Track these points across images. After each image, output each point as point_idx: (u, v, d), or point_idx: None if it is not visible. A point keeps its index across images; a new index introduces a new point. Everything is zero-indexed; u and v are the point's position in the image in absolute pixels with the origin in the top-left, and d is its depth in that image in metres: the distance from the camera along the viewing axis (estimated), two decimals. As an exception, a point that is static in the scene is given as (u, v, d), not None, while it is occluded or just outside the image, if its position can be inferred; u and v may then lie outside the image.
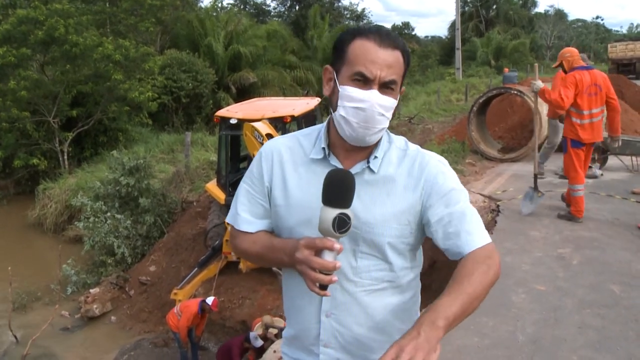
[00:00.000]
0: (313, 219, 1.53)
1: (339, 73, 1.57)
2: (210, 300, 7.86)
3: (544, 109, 10.99)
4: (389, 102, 1.53)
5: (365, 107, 1.51)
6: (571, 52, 6.94)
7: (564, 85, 6.55)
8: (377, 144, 1.63)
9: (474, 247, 1.54)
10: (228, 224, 1.82)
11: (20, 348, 8.52)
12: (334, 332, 1.64)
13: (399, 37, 1.58)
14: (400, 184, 1.61)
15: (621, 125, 12.79)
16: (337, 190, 1.41)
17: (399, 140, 1.70)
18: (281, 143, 1.74)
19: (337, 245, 1.41)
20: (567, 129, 6.76)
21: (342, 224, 1.39)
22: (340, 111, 1.55)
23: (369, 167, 1.61)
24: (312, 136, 1.70)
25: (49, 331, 8.90)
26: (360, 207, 1.56)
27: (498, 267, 1.54)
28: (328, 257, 1.42)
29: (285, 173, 1.67)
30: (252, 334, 7.28)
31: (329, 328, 1.65)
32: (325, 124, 1.69)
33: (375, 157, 1.61)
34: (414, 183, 1.61)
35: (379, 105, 1.51)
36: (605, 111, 6.80)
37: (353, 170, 1.58)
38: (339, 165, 1.62)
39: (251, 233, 1.72)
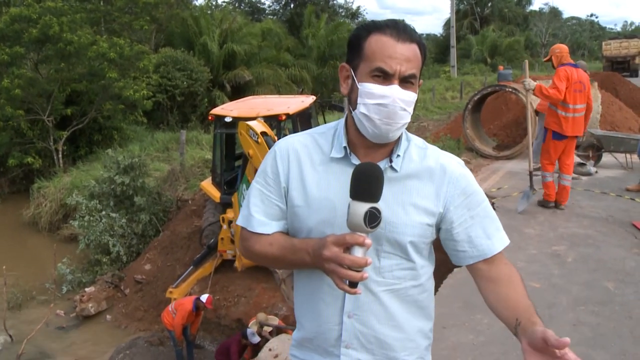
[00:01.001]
0: (333, 218, 1.53)
1: (357, 70, 1.55)
2: (204, 297, 7.85)
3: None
4: (410, 97, 1.51)
5: (387, 102, 1.48)
6: (560, 49, 7.23)
7: (558, 78, 6.84)
8: (398, 142, 1.61)
9: (496, 251, 1.64)
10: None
11: (15, 347, 8.49)
12: (356, 332, 1.63)
13: (414, 30, 1.56)
14: (422, 183, 1.60)
15: (615, 123, 12.90)
16: (367, 183, 1.39)
17: (417, 139, 1.69)
18: (297, 141, 1.69)
19: (368, 241, 1.38)
20: (550, 121, 7.09)
21: (373, 218, 1.37)
22: (361, 109, 1.52)
23: (391, 165, 1.59)
24: (328, 134, 1.67)
25: (44, 330, 8.88)
26: (383, 205, 1.49)
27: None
28: (358, 253, 1.40)
29: (303, 172, 1.63)
30: (249, 330, 7.29)
31: (350, 329, 1.62)
32: (342, 121, 1.67)
33: (398, 155, 1.60)
34: (436, 183, 1.61)
35: (401, 100, 1.49)
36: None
37: None
38: (357, 163, 1.57)
39: (267, 235, 1.66)
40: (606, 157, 10.18)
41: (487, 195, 6.58)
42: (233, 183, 9.32)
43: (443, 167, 1.62)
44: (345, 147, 1.60)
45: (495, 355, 3.92)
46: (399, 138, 1.61)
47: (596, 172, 9.59)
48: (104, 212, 10.89)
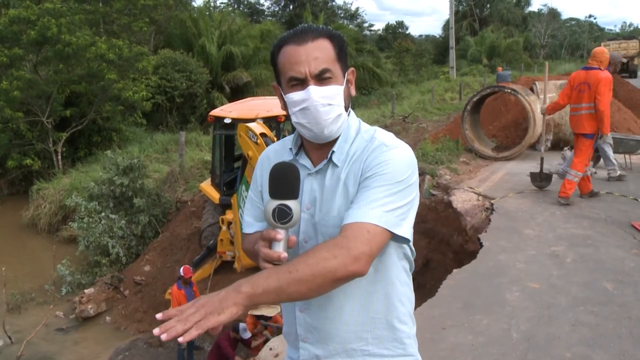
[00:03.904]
0: None
1: (281, 86, 1.62)
2: (181, 270, 7.96)
3: (537, 107, 11.04)
4: (330, 91, 1.55)
5: (308, 105, 1.54)
6: (591, 54, 7.52)
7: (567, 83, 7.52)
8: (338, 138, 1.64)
9: (342, 224, 1.49)
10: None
11: (15, 349, 8.49)
12: (308, 327, 1.68)
13: (319, 27, 1.59)
14: (354, 174, 1.60)
15: (614, 124, 12.91)
16: (278, 182, 1.46)
17: (368, 131, 1.68)
18: (272, 148, 1.83)
19: (279, 236, 1.44)
20: None
21: (282, 215, 1.43)
22: (293, 118, 1.60)
23: (332, 161, 1.62)
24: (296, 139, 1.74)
25: (44, 332, 8.89)
26: (320, 201, 1.61)
27: (350, 261, 1.42)
28: (277, 247, 1.45)
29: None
30: (241, 325, 7.36)
31: (303, 323, 1.68)
32: None
33: (333, 151, 1.62)
34: (361, 170, 1.58)
35: (321, 97, 1.53)
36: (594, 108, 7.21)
37: (319, 166, 1.63)
38: (307, 164, 1.66)
39: (251, 234, 1.78)
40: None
41: (486, 197, 6.54)
42: (232, 184, 9.33)
43: (369, 149, 1.60)
44: (290, 149, 1.70)
45: (495, 356, 3.92)
46: (342, 133, 1.64)
47: (595, 172, 9.59)
48: (103, 214, 10.89)
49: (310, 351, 1.69)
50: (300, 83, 1.54)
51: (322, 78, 1.54)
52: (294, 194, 1.46)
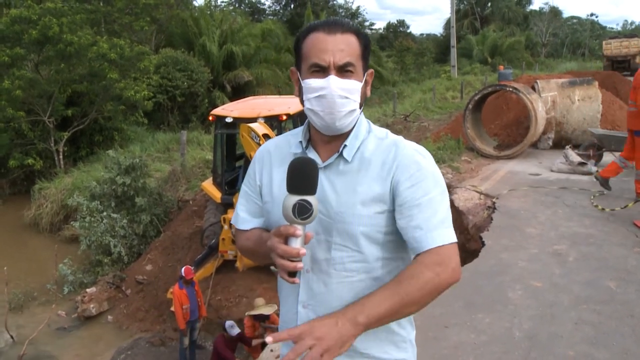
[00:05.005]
0: None
1: (301, 70, 1.62)
2: (182, 271, 7.95)
3: (539, 106, 11.03)
4: (350, 85, 1.56)
5: (325, 93, 1.54)
6: None
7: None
8: (350, 133, 1.65)
9: (428, 247, 1.53)
10: (230, 230, 1.86)
11: (17, 348, 8.49)
12: None
13: (349, 22, 1.62)
14: (372, 172, 1.61)
15: (616, 122, 12.89)
16: (298, 177, 1.45)
17: (380, 131, 1.71)
18: (273, 143, 1.81)
19: (299, 232, 1.44)
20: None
21: (302, 210, 1.42)
22: (307, 104, 1.60)
23: (342, 156, 1.63)
24: (299, 134, 1.73)
25: (46, 331, 8.89)
26: (334, 196, 1.59)
27: (450, 274, 1.51)
28: (294, 243, 1.45)
29: (272, 171, 1.73)
30: (227, 323, 7.41)
31: (305, 319, 1.64)
32: (307, 120, 1.73)
33: (345, 145, 1.63)
34: (386, 171, 1.61)
35: (339, 88, 1.54)
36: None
37: (328, 161, 1.63)
38: (317, 158, 1.64)
39: (246, 230, 1.79)
40: (607, 156, 10.17)
41: (488, 195, 6.54)
42: (234, 183, 9.33)
43: (395, 154, 1.62)
44: (300, 142, 1.68)
45: (497, 354, 3.92)
46: (354, 128, 1.65)
47: (597, 171, 9.57)
48: (105, 213, 10.89)
49: None
50: (322, 71, 1.55)
51: (344, 70, 1.55)
52: (313, 189, 1.46)
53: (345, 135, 1.64)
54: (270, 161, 1.75)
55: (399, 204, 1.58)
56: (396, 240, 1.65)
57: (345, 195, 1.59)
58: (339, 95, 1.54)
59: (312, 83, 1.56)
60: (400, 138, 1.70)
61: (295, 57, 1.66)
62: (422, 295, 1.47)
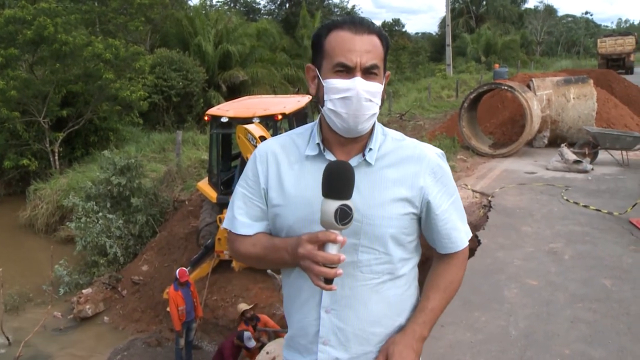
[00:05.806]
0: (311, 215, 1.53)
1: (321, 68, 1.57)
2: (177, 273, 7.93)
3: (534, 104, 11.05)
4: (375, 87, 1.53)
5: (351, 95, 1.50)
6: None
7: None
8: (370, 136, 1.63)
9: (461, 247, 1.72)
10: (225, 229, 1.79)
11: (13, 349, 8.47)
12: (334, 328, 1.63)
13: (372, 22, 1.59)
14: (399, 174, 1.60)
15: (611, 120, 12.93)
16: (337, 181, 1.41)
17: (395, 133, 1.71)
18: (275, 143, 1.72)
19: (340, 238, 1.41)
20: None
21: (344, 216, 1.39)
22: (329, 105, 1.54)
23: (365, 159, 1.60)
24: (305, 134, 1.69)
25: (42, 332, 8.86)
26: (360, 199, 1.54)
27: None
28: (332, 250, 1.42)
29: (280, 172, 1.66)
30: (246, 334, 7.25)
31: (328, 324, 1.62)
32: (317, 121, 1.68)
33: (370, 149, 1.60)
34: (413, 172, 1.61)
35: (365, 91, 1.50)
36: None
37: (353, 164, 1.57)
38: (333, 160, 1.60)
39: (250, 236, 1.70)
40: (602, 154, 10.20)
41: (484, 194, 6.60)
42: (229, 183, 9.32)
43: (420, 156, 1.64)
44: (318, 144, 1.63)
45: (493, 353, 3.92)
46: (372, 132, 1.63)
47: (592, 169, 9.61)
48: (100, 214, 10.86)
49: (330, 354, 1.64)
50: (347, 71, 1.51)
51: (369, 72, 1.52)
52: (350, 193, 1.43)
53: (362, 137, 1.61)
54: (277, 162, 1.67)
55: (433, 208, 1.64)
56: (414, 241, 1.70)
57: (371, 198, 1.57)
58: (365, 98, 1.51)
59: (336, 84, 1.51)
60: (416, 140, 1.71)
61: (314, 54, 1.60)
62: (456, 292, 1.73)
